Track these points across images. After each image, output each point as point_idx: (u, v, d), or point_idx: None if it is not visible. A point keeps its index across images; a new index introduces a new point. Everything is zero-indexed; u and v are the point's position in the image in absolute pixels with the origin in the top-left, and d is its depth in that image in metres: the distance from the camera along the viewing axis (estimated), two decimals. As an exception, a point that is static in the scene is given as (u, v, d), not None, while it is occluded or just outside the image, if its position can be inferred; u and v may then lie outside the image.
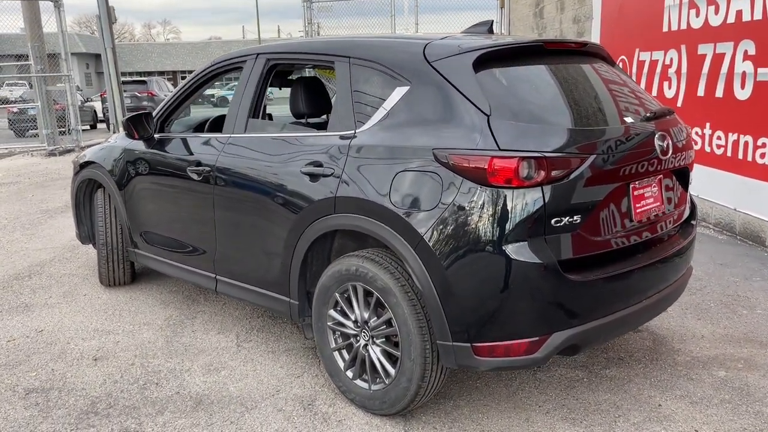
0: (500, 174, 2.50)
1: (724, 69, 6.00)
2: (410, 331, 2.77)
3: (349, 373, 3.11)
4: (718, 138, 6.15)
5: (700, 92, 6.41)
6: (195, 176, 3.76)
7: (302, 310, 3.33)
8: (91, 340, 3.97)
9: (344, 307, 3.08)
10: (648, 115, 2.99)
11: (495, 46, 2.85)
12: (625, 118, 2.93)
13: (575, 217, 2.60)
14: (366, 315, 2.98)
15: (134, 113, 4.20)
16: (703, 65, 6.34)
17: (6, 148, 14.13)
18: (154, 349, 3.81)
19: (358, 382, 3.08)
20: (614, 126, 2.85)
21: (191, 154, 3.87)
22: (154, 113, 4.29)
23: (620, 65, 8.33)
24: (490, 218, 2.53)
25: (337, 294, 3.08)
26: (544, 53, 3.00)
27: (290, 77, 4.77)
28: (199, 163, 3.76)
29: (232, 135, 3.66)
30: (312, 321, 3.26)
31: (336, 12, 15.18)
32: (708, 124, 6.30)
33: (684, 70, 6.72)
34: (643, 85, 7.62)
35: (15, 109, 20.43)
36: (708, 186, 6.27)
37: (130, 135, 4.14)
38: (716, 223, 6.28)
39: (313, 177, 3.09)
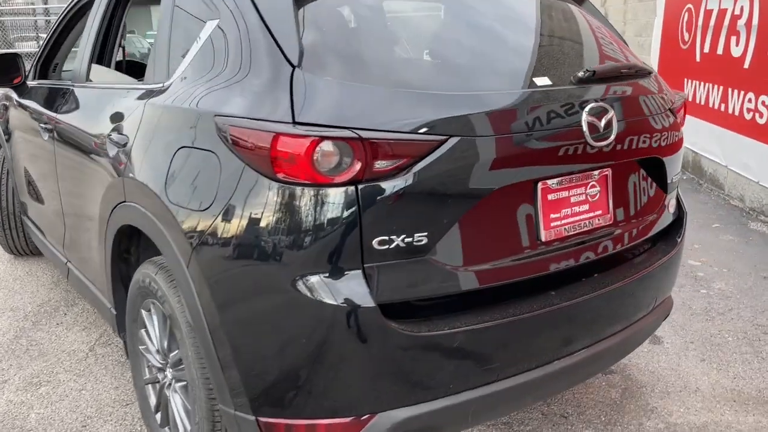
0: (290, 161, 1.55)
1: (803, 20, 4.62)
2: (195, 384, 1.89)
3: (158, 417, 2.28)
4: (789, 110, 4.80)
5: (772, 50, 5.03)
6: (45, 135, 2.97)
7: (121, 323, 2.51)
8: (-64, 326, 3.32)
9: (149, 330, 2.24)
10: (582, 75, 1.90)
11: None
12: (536, 80, 1.86)
13: (418, 237, 1.61)
14: (165, 345, 2.13)
15: (-1, 54, 3.43)
16: (778, 15, 4.95)
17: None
18: (-7, 346, 3.11)
19: (166, 431, 2.25)
20: (508, 91, 1.80)
21: (45, 107, 3.08)
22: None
23: (685, 16, 6.92)
24: (276, 232, 1.59)
25: (143, 311, 2.24)
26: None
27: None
28: (46, 119, 2.96)
29: (73, 85, 2.83)
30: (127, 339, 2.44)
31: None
32: (778, 92, 4.95)
33: (755, 21, 5.31)
34: (708, 42, 6.21)
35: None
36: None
37: None
38: (776, 218, 4.97)
39: (117, 147, 2.22)
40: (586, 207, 1.92)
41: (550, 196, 1.83)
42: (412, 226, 1.60)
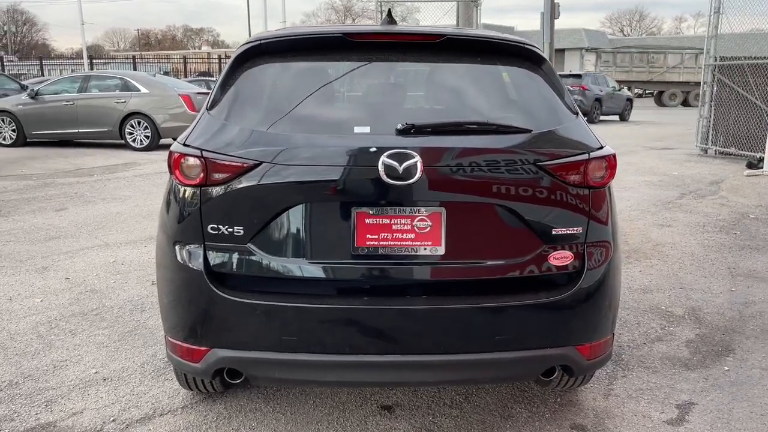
0: (174, 168, 2.40)
1: None
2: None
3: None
4: None
5: None
6: None
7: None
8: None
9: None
10: (400, 127, 2.27)
11: (271, 38, 2.59)
12: (356, 128, 2.31)
13: (237, 229, 2.31)
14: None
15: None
16: None
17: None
18: None
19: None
20: (322, 134, 2.33)
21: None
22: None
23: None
24: (169, 211, 2.48)
25: None
26: (349, 47, 2.54)
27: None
28: None
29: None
30: None
31: None
32: None
33: None
34: None
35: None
36: None
37: None
38: None
39: None
40: (411, 236, 2.29)
41: (367, 220, 2.28)
42: (233, 220, 2.30)
